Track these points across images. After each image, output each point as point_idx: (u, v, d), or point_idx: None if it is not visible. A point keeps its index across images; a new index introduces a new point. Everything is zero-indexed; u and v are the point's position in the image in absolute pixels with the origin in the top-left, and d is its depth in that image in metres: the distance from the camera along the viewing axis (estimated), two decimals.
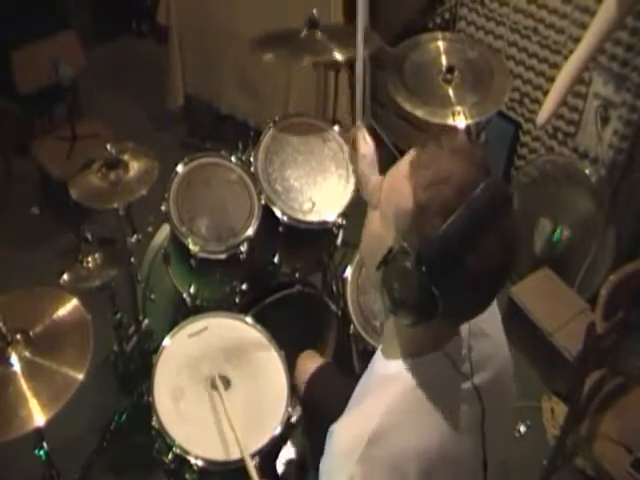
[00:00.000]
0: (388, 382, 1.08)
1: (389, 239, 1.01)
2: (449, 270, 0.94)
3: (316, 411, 1.85)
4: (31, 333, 1.68)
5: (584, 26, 2.56)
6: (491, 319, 1.22)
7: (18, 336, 1.65)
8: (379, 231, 1.04)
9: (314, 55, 2.32)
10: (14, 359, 1.63)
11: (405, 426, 1.04)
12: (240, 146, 2.37)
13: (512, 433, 1.29)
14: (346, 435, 1.06)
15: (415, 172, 0.98)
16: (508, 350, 1.23)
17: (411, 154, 1.02)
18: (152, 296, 2.49)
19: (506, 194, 0.98)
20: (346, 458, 1.03)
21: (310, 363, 1.96)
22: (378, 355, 1.17)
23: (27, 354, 1.65)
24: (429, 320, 0.99)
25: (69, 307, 1.75)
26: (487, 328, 1.19)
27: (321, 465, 1.08)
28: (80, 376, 1.62)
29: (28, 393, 1.58)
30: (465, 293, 0.97)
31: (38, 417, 1.55)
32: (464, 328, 1.12)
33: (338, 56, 2.27)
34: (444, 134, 1.02)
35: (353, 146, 1.62)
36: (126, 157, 2.21)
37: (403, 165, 1.01)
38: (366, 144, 1.56)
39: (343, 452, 1.04)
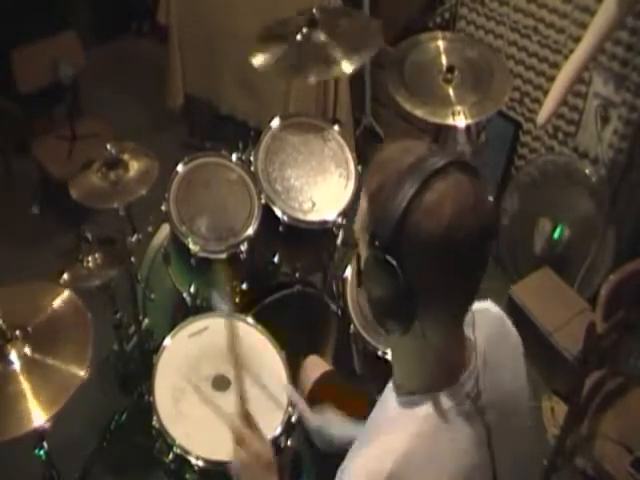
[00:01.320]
0: (402, 420, 1.05)
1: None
2: (397, 233, 0.92)
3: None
4: (30, 329, 1.67)
5: (584, 25, 2.56)
6: (508, 349, 1.19)
7: (17, 333, 1.65)
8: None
9: (317, 69, 2.30)
10: (13, 356, 1.63)
11: (421, 467, 1.01)
12: (240, 146, 2.37)
13: (530, 457, 1.24)
14: (360, 475, 1.02)
15: (367, 174, 1.01)
16: (526, 381, 1.20)
17: None
18: (152, 296, 2.49)
19: (457, 157, 0.95)
20: None
21: (315, 369, 1.96)
22: (390, 389, 1.13)
23: (26, 351, 1.64)
24: (410, 313, 0.95)
25: (67, 303, 1.75)
26: (503, 358, 1.15)
27: None
28: (80, 372, 1.62)
29: (28, 391, 1.58)
30: (425, 257, 0.93)
31: (38, 415, 1.55)
32: (479, 360, 1.08)
33: (346, 67, 2.27)
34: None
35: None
36: (126, 157, 2.22)
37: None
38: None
39: None
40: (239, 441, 1.34)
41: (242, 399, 1.42)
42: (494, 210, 0.98)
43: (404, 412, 1.05)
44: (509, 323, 1.22)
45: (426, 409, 1.03)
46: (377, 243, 0.94)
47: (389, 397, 1.11)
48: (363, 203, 1.00)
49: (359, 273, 1.01)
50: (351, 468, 1.04)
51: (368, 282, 0.99)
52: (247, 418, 1.39)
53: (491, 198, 0.98)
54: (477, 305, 1.07)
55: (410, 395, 1.06)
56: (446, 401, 1.03)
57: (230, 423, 1.38)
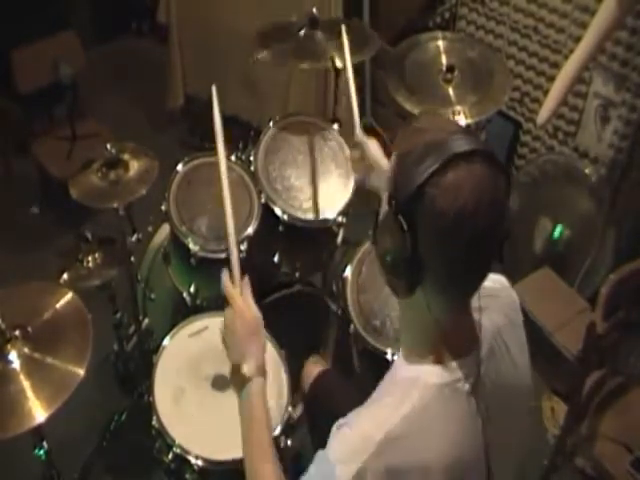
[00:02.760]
0: (406, 386, 1.08)
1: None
2: (413, 201, 0.97)
3: (319, 412, 1.85)
4: (29, 329, 1.67)
5: (584, 25, 2.56)
6: (515, 335, 1.21)
7: (17, 332, 1.65)
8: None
9: (313, 60, 2.32)
10: (13, 356, 1.63)
11: (416, 435, 1.04)
12: (240, 145, 2.37)
13: (522, 450, 1.27)
14: (356, 434, 1.06)
15: (398, 137, 1.06)
16: (529, 375, 1.23)
17: None
18: (152, 295, 2.48)
19: (483, 146, 0.99)
20: (352, 456, 1.03)
21: (315, 368, 1.98)
22: (400, 356, 1.17)
23: (26, 350, 1.64)
24: (414, 276, 1.00)
25: (67, 302, 1.75)
26: (510, 344, 1.18)
27: (320, 453, 1.08)
28: (80, 371, 1.62)
29: (28, 390, 1.58)
30: (435, 229, 0.97)
31: (38, 414, 1.55)
32: (484, 341, 1.12)
33: (339, 63, 2.28)
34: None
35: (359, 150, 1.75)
36: (126, 157, 2.21)
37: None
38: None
39: (350, 449, 1.04)
40: (228, 298, 1.36)
41: (232, 266, 1.43)
42: (506, 209, 1.02)
43: (408, 379, 1.09)
44: (520, 311, 1.25)
45: (428, 379, 1.07)
46: (393, 203, 0.99)
47: (398, 363, 1.16)
48: (392, 160, 1.05)
49: (375, 227, 1.07)
50: (348, 426, 1.07)
51: (380, 236, 1.04)
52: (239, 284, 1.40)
53: (510, 197, 1.01)
54: (492, 286, 1.15)
55: (413, 364, 1.10)
56: (444, 376, 1.07)
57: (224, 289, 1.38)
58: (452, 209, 0.95)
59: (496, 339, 1.15)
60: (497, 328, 1.15)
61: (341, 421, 1.09)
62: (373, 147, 1.72)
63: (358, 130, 1.82)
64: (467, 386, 1.08)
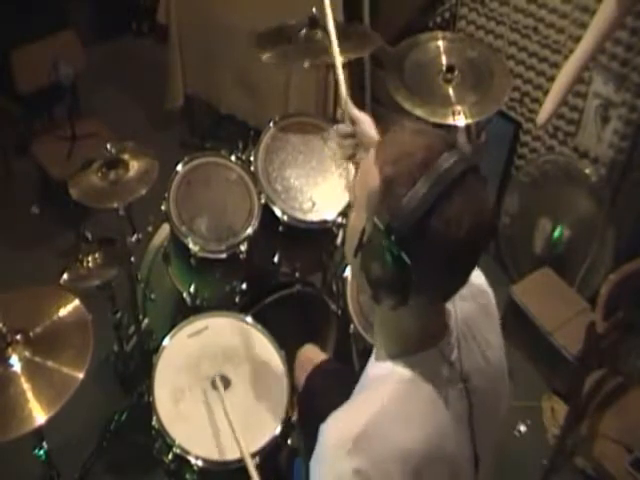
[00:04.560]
0: (379, 382, 1.10)
1: (363, 225, 1.04)
2: (416, 235, 0.96)
3: (313, 407, 1.85)
4: (31, 333, 1.68)
5: (584, 25, 2.56)
6: (486, 321, 1.22)
7: (18, 336, 1.65)
8: (356, 224, 1.06)
9: (314, 57, 2.33)
10: (14, 359, 1.63)
11: (394, 426, 1.05)
12: (240, 146, 2.38)
13: (499, 433, 1.29)
14: (335, 431, 1.07)
15: (380, 152, 1.03)
16: (502, 352, 1.24)
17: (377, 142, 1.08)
18: (152, 296, 2.49)
19: (470, 162, 0.99)
20: (334, 453, 1.05)
21: (310, 359, 1.97)
22: (372, 357, 1.18)
23: (27, 354, 1.65)
24: (407, 296, 1.00)
25: (69, 307, 1.76)
26: (482, 329, 1.19)
27: (312, 459, 1.09)
28: (80, 375, 1.62)
29: (28, 393, 1.58)
30: (436, 259, 0.98)
31: (38, 417, 1.56)
32: (455, 327, 1.14)
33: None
34: (406, 119, 1.05)
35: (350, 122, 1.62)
36: (126, 157, 2.22)
37: (370, 153, 1.06)
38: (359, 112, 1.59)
39: (331, 447, 1.06)
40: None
41: None
42: (493, 213, 1.02)
43: (381, 376, 1.10)
44: (491, 295, 1.26)
45: (401, 371, 1.08)
46: (393, 238, 0.97)
47: (370, 363, 1.17)
48: (372, 176, 1.01)
49: (360, 246, 1.03)
50: (325, 427, 1.08)
51: (370, 260, 1.02)
52: None
53: (491, 200, 1.01)
54: None
55: (388, 360, 1.11)
56: (421, 364, 1.08)
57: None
58: (456, 239, 0.96)
59: (467, 324, 1.16)
60: (467, 313, 1.16)
61: (324, 423, 1.10)
62: (367, 123, 1.60)
63: (349, 104, 1.67)
64: (446, 370, 1.10)
